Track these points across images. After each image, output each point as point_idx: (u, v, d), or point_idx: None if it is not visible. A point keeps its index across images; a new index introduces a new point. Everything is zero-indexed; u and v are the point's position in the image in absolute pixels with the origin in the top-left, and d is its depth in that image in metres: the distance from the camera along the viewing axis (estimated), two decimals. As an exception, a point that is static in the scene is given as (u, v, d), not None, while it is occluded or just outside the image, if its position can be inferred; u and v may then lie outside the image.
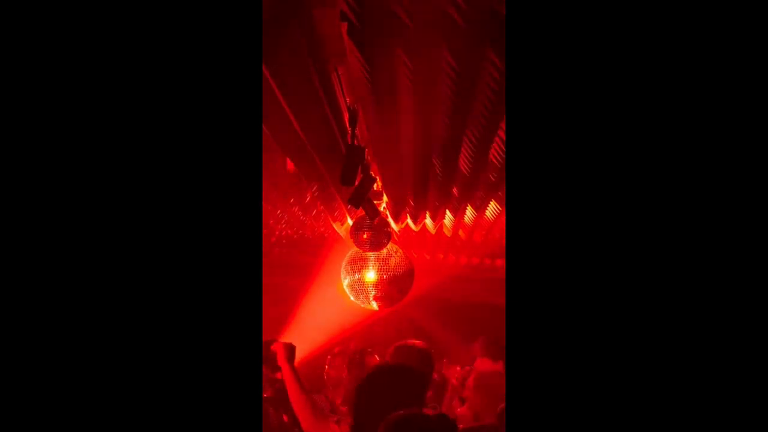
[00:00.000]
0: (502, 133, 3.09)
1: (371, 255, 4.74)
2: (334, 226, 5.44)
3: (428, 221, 5.42)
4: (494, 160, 3.51)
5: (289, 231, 6.30)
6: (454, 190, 4.27)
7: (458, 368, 4.88)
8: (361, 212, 4.12)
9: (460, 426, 3.30)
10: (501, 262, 7.26)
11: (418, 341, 3.55)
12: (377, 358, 4.23)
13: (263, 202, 4.95)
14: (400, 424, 2.08)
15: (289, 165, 4.19)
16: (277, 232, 6.29)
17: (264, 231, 5.94)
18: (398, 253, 4.87)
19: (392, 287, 4.87)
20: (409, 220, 5.29)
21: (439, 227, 5.71)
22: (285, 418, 3.89)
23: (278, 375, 3.71)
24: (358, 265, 4.83)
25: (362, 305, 5.00)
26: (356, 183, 3.46)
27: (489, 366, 4.94)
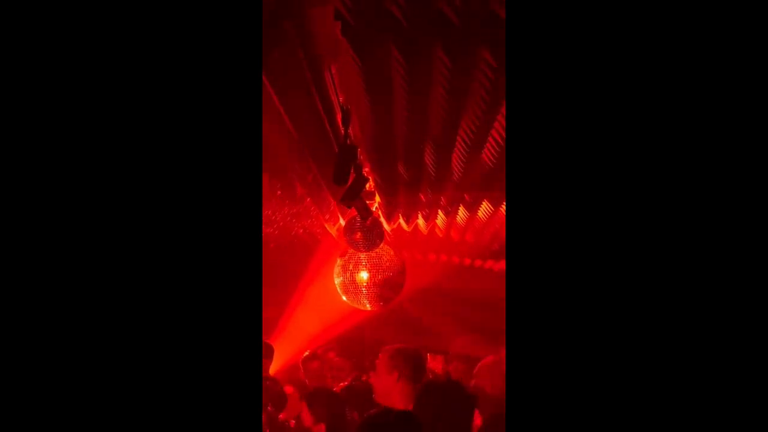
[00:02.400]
0: (495, 133, 3.09)
1: (363, 255, 4.74)
2: (326, 226, 5.43)
3: (420, 221, 5.42)
4: (487, 160, 3.51)
5: (281, 231, 6.28)
6: (447, 190, 4.27)
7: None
8: (353, 212, 4.12)
9: None
10: (491, 263, 7.27)
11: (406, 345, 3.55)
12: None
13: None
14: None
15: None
16: (270, 233, 6.27)
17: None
18: (390, 254, 4.87)
19: (384, 287, 4.87)
20: (401, 220, 5.29)
21: (431, 227, 5.71)
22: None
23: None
24: (350, 265, 4.82)
25: (354, 305, 4.99)
26: (348, 182, 3.45)
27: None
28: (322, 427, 3.20)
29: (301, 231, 6.30)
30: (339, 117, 3.11)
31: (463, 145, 3.29)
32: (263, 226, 5.94)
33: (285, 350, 6.25)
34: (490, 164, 3.54)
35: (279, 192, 4.72)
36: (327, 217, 5.16)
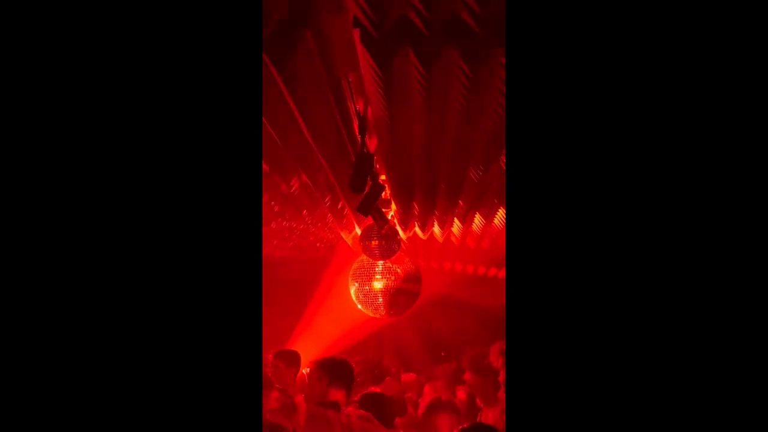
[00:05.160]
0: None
1: (379, 263, 4.73)
2: (342, 234, 5.43)
3: (436, 229, 5.41)
4: (504, 167, 3.51)
5: (297, 240, 6.29)
6: (463, 197, 4.26)
7: None
8: (369, 220, 4.12)
9: None
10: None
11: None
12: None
13: (274, 212, 4.95)
14: None
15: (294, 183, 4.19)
16: (289, 241, 6.28)
17: (272, 240, 5.93)
18: (406, 262, 4.86)
19: (400, 295, 4.85)
20: (417, 228, 5.28)
21: (447, 235, 5.70)
22: None
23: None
24: (365, 273, 4.82)
25: (370, 314, 4.98)
26: (365, 191, 3.45)
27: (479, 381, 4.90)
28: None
29: (317, 240, 6.31)
30: (356, 125, 3.12)
31: (480, 151, 3.29)
32: (281, 236, 5.96)
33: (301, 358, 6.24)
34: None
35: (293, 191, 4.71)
36: (343, 225, 5.17)
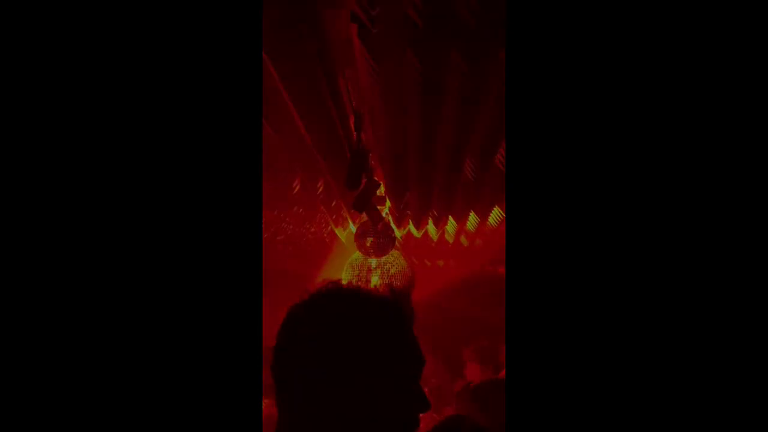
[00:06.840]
0: (509, 138, 3.06)
1: (372, 261, 4.72)
2: (336, 231, 5.42)
3: (430, 227, 5.40)
4: (500, 166, 3.50)
5: (290, 235, 6.27)
6: (458, 195, 4.25)
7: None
8: (364, 217, 4.10)
9: None
10: (503, 269, 7.24)
11: None
12: None
13: (267, 206, 4.93)
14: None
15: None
16: (279, 237, 6.26)
17: (264, 235, 5.91)
18: (399, 259, 4.85)
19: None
20: (411, 226, 5.27)
21: (441, 233, 5.69)
22: None
23: None
24: (359, 270, 4.80)
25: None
26: (360, 187, 3.43)
27: (479, 372, 4.95)
28: None
29: (311, 236, 6.29)
30: (352, 121, 3.10)
31: (476, 149, 3.28)
32: (273, 232, 5.94)
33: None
34: (502, 170, 3.52)
35: (293, 190, 4.69)
36: (337, 222, 5.15)
